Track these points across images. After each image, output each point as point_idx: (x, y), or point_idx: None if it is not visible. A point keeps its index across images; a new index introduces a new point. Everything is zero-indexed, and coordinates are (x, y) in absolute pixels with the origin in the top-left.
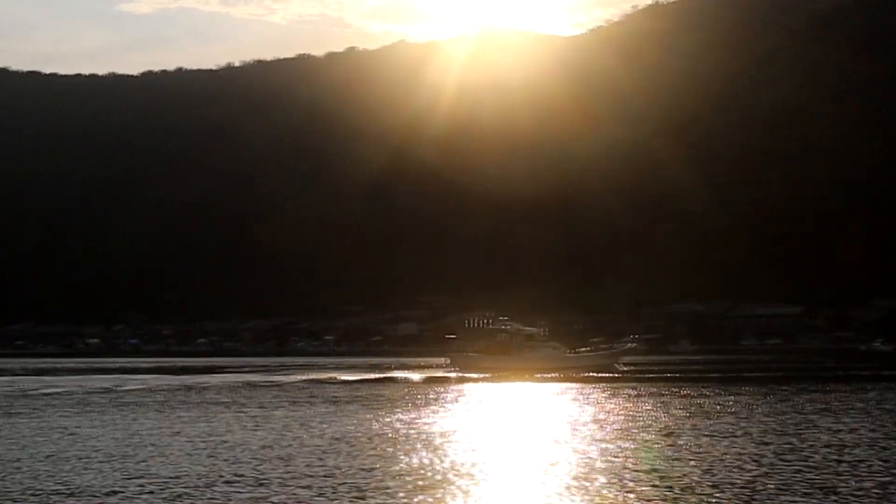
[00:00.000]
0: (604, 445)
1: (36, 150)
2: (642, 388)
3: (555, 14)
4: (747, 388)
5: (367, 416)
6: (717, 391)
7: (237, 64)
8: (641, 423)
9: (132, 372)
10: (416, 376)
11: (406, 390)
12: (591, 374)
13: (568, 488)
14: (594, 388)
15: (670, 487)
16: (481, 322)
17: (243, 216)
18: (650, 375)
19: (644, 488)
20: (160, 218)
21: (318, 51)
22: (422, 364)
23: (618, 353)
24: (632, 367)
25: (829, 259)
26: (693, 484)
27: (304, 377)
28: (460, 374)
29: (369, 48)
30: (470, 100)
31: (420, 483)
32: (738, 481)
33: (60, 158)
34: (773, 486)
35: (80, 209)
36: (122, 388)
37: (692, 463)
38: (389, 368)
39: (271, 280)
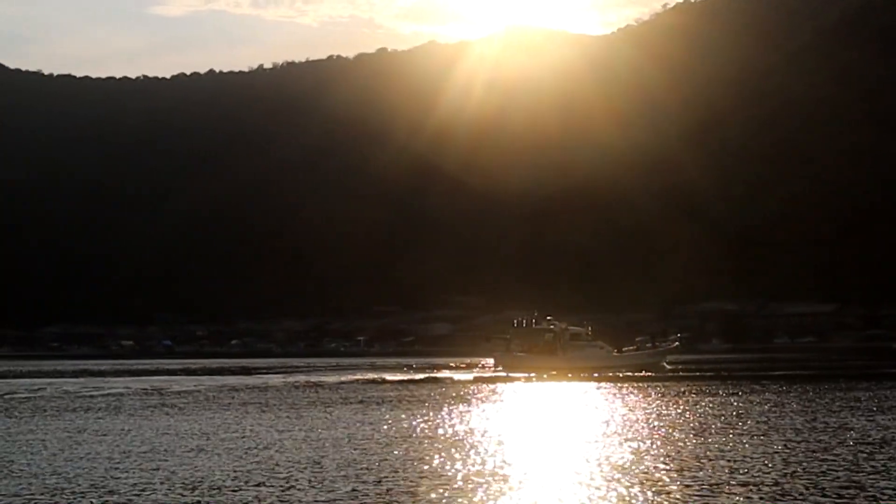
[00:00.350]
0: (634, 444)
1: (68, 152)
2: (683, 387)
3: (584, 13)
4: (778, 387)
5: (439, 416)
6: (749, 389)
7: (268, 66)
8: (673, 421)
9: (192, 373)
10: (463, 376)
11: (459, 390)
12: (635, 373)
13: (597, 488)
14: (636, 387)
15: (699, 487)
16: (527, 321)
17: (276, 216)
18: (695, 374)
19: (673, 488)
20: (193, 219)
21: (348, 52)
22: (468, 364)
23: (663, 352)
24: (676, 367)
25: (862, 257)
26: (721, 483)
27: (358, 377)
28: (506, 374)
29: (399, 49)
30: (500, 99)
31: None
32: (767, 480)
33: (93, 160)
34: (801, 485)
35: (113, 210)
36: (204, 389)
37: (721, 462)
38: (436, 369)
39: (304, 281)
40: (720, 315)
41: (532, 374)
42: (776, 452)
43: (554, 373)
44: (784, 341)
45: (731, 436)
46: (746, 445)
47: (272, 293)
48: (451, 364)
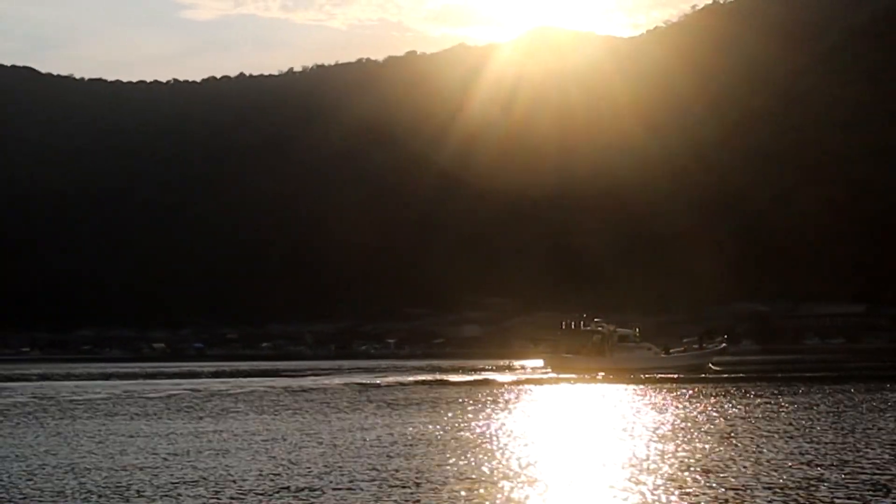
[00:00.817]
0: (662, 445)
1: (100, 156)
2: (727, 388)
3: (613, 15)
4: (808, 388)
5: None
6: (782, 390)
7: (298, 69)
8: (704, 423)
9: (243, 376)
10: (513, 378)
11: (513, 392)
12: (682, 374)
13: (623, 489)
14: (682, 388)
15: (724, 488)
16: (575, 323)
17: (306, 220)
18: (741, 376)
19: (697, 489)
20: (224, 222)
21: (377, 55)
22: (515, 366)
23: (710, 353)
24: (723, 368)
25: (893, 258)
26: (746, 485)
27: (414, 378)
28: (555, 375)
29: (428, 52)
30: (528, 102)
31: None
32: (792, 482)
33: (125, 164)
34: (826, 487)
35: (144, 214)
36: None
37: (747, 463)
38: (485, 370)
39: (334, 283)
40: (751, 316)
41: (581, 376)
42: (804, 454)
43: (602, 374)
44: (815, 342)
45: (757, 437)
46: (774, 447)
47: (302, 296)
48: (498, 366)
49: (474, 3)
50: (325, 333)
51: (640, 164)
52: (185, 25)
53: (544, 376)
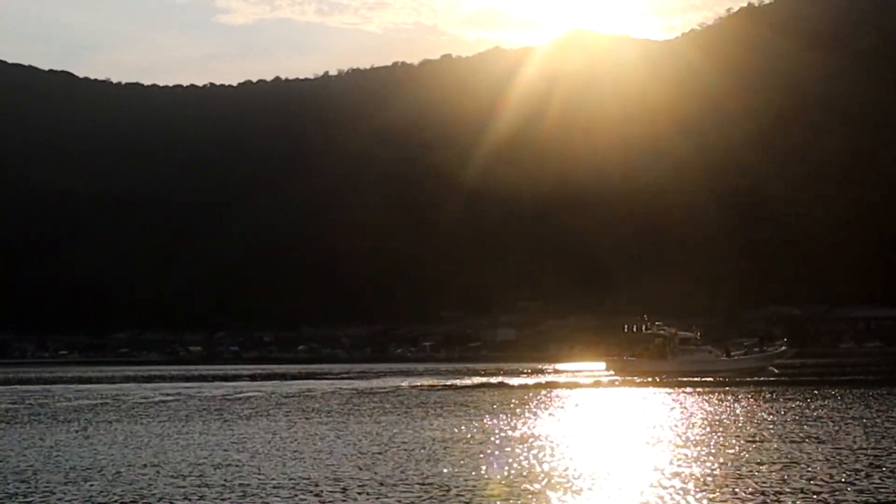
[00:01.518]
0: (692, 450)
1: (137, 160)
2: (782, 391)
3: (648, 18)
4: (843, 391)
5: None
6: (825, 394)
7: (333, 73)
8: (741, 426)
9: (311, 377)
10: (571, 380)
11: (584, 395)
12: (743, 378)
13: (650, 493)
14: (743, 391)
15: (751, 493)
16: (637, 327)
17: (341, 223)
18: (802, 378)
19: (721, 494)
20: (259, 225)
21: (413, 58)
22: (579, 369)
23: (771, 356)
24: (783, 371)
25: None
26: (775, 490)
27: (474, 381)
28: (618, 379)
29: (464, 55)
30: (563, 104)
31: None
32: (821, 488)
33: (161, 168)
34: (855, 492)
35: (180, 218)
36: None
37: (776, 468)
38: (546, 373)
39: (369, 286)
40: (786, 319)
41: (643, 379)
42: (837, 457)
43: (664, 377)
44: (850, 346)
45: (788, 441)
46: (807, 451)
47: (337, 299)
48: (566, 369)
49: (509, 6)
50: (359, 336)
51: (674, 167)
52: (221, 30)
53: (607, 379)
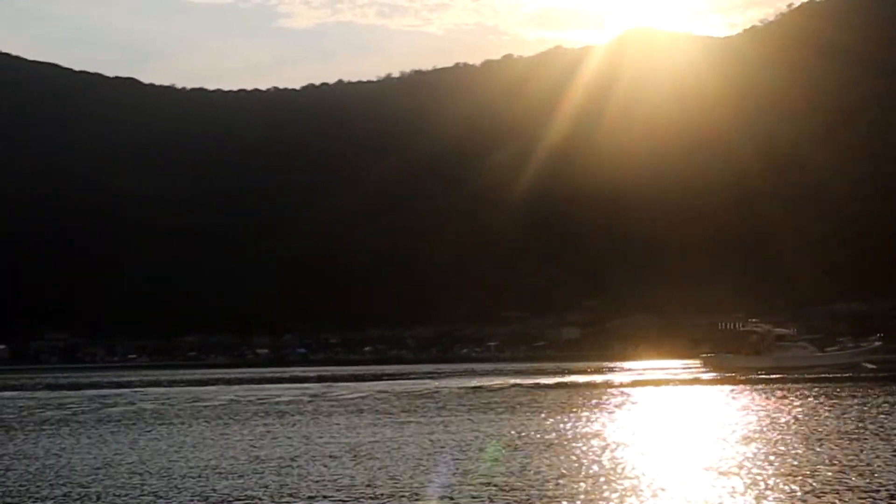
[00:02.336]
0: (760, 447)
1: (202, 165)
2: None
3: (708, 15)
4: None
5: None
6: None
7: (396, 75)
8: (814, 424)
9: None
10: (679, 377)
11: (699, 393)
12: (838, 372)
13: (699, 492)
14: (837, 386)
15: (804, 490)
16: (732, 324)
17: (406, 224)
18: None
19: (774, 492)
20: (325, 228)
21: (474, 59)
22: (653, 367)
23: (865, 351)
24: (877, 367)
25: None
26: (825, 487)
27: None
28: (715, 375)
29: (525, 55)
30: (624, 103)
31: None
32: (868, 485)
33: (226, 172)
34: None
35: (246, 222)
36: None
37: (837, 466)
38: (643, 370)
39: (434, 287)
40: (851, 315)
41: (739, 375)
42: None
43: (761, 373)
44: None
45: (855, 440)
46: (871, 450)
47: (402, 300)
48: (661, 366)
49: (570, 5)
50: (424, 337)
51: (736, 164)
52: (283, 34)
53: (706, 376)
